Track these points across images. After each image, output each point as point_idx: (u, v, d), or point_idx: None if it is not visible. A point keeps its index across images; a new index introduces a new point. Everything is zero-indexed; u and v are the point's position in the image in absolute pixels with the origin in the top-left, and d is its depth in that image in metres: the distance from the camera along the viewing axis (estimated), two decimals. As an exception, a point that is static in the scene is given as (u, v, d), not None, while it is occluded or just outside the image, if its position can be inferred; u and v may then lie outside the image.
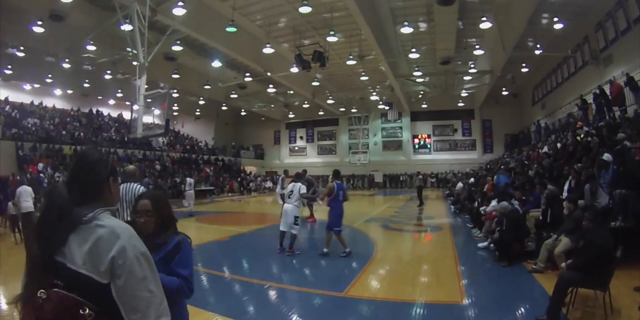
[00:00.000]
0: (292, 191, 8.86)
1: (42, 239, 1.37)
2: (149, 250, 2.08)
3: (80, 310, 1.28)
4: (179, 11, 15.40)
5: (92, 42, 20.62)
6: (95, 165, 1.54)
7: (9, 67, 25.29)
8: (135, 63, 13.86)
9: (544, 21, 19.74)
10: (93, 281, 1.31)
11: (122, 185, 5.28)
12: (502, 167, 17.33)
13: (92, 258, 1.31)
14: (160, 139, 34.20)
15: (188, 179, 17.47)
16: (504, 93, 33.75)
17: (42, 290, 1.28)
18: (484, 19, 17.17)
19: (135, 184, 5.31)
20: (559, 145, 15.72)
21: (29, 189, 10.88)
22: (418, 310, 4.98)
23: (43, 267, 1.34)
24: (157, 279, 1.43)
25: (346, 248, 8.31)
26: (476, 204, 12.96)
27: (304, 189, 9.07)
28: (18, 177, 19.72)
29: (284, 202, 9.38)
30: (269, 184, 38.67)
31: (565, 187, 8.86)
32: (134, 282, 1.34)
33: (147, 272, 1.39)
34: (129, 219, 5.14)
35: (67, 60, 25.34)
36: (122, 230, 1.39)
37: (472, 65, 25.73)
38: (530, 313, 4.73)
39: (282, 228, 8.72)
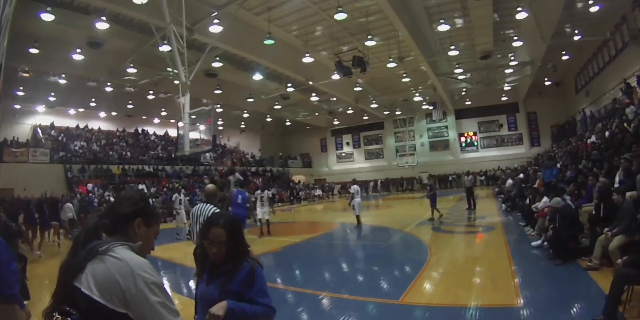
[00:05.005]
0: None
1: (66, 261, 1.48)
2: (212, 278, 2.24)
3: None
4: (215, 29, 15.87)
5: (132, 65, 21.54)
6: (123, 201, 1.70)
7: (52, 94, 26.48)
8: (177, 82, 14.24)
9: (580, 5, 19.19)
10: (107, 309, 1.38)
11: (197, 206, 5.00)
12: (545, 160, 16.83)
13: (105, 287, 1.39)
14: (208, 154, 34.90)
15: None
16: (547, 83, 32.82)
17: (57, 316, 1.37)
18: (519, 8, 17.06)
19: (209, 206, 4.83)
20: (607, 133, 15.23)
21: (71, 205, 15.81)
22: (475, 314, 4.97)
23: (63, 290, 1.44)
24: (170, 305, 1.49)
25: None
26: (527, 200, 12.67)
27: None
28: (67, 198, 20.79)
29: None
30: (318, 191, 38.93)
31: (617, 179, 8.55)
32: (148, 310, 1.43)
33: (160, 299, 1.46)
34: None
35: (109, 84, 26.32)
36: (134, 263, 1.46)
37: (512, 58, 25.34)
38: (587, 312, 4.67)
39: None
